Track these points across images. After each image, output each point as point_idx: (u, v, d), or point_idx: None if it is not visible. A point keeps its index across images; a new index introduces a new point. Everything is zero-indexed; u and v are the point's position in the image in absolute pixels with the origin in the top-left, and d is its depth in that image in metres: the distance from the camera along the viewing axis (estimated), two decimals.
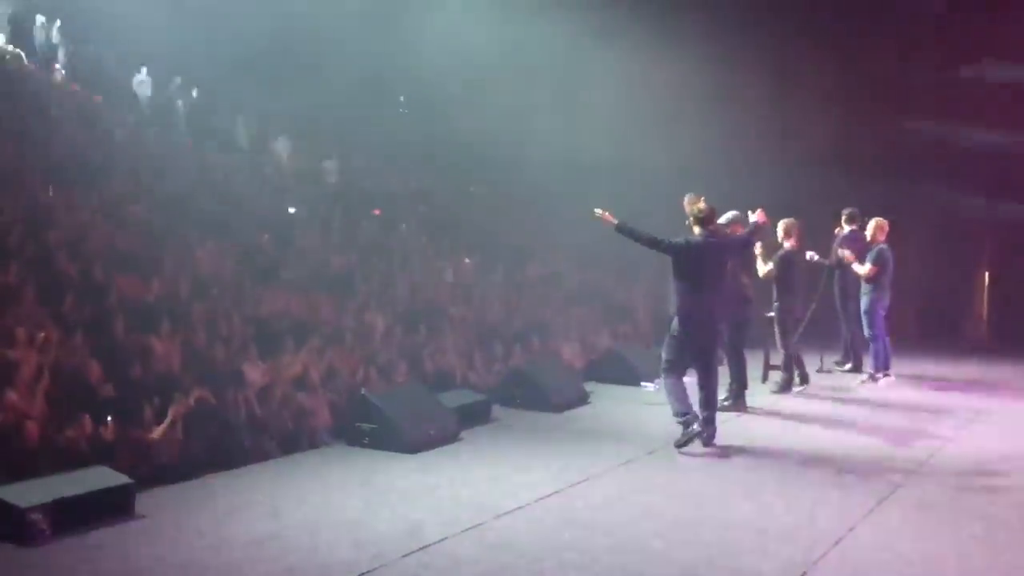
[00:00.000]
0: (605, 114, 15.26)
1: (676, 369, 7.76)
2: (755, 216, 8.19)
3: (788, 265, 9.85)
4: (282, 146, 15.62)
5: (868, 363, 11.00)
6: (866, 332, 10.79)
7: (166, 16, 13.41)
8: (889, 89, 15.52)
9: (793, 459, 7.44)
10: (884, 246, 10.60)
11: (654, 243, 7.62)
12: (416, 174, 16.43)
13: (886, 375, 10.76)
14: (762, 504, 6.23)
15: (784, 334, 9.99)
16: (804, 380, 10.38)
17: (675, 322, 7.67)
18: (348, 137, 15.56)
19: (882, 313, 10.68)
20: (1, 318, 8.69)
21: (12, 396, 7.56)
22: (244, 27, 13.89)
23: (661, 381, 9.65)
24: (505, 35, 13.59)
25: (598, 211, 7.75)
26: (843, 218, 11.37)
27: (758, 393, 9.78)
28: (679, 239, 7.70)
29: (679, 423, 7.60)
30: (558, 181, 15.52)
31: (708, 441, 7.59)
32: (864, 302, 10.68)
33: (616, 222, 7.62)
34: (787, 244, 9.92)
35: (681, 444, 7.50)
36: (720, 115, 14.91)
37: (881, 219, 10.76)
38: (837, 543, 5.51)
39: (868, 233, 10.77)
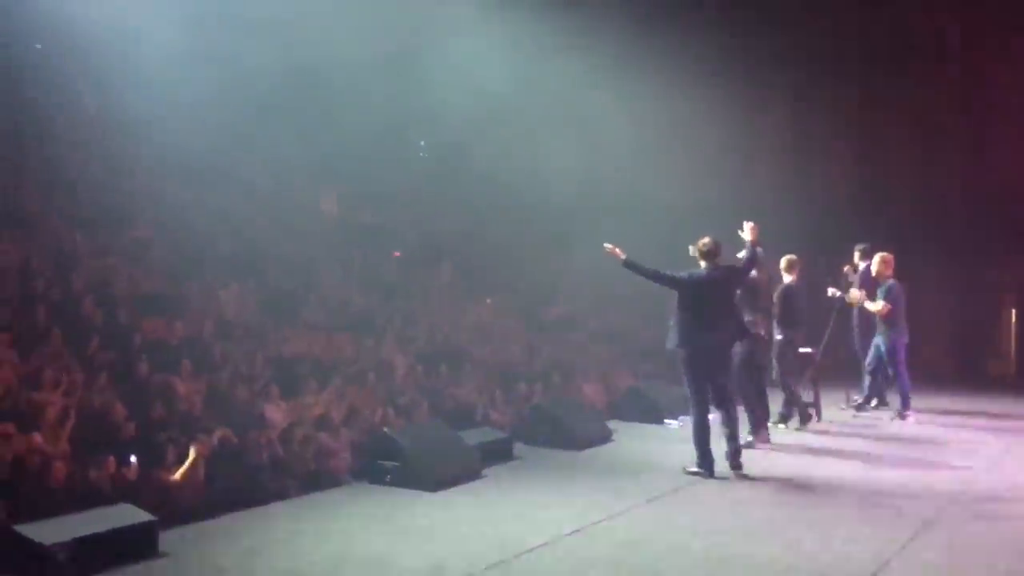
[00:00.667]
0: (624, 153, 15.35)
1: (701, 404, 7.75)
2: (746, 233, 8.27)
3: (789, 299, 9.82)
4: (303, 190, 15.78)
5: (896, 401, 10.85)
6: (890, 371, 10.67)
7: (187, 62, 13.65)
8: (913, 125, 15.52)
9: (821, 494, 7.32)
10: (893, 281, 10.55)
11: (658, 277, 7.75)
12: (436, 215, 16.53)
13: (912, 412, 10.62)
14: (791, 541, 6.11)
15: (784, 368, 9.90)
16: (804, 419, 10.06)
17: (681, 355, 7.75)
18: (368, 180, 15.70)
19: (903, 350, 10.57)
20: (28, 361, 8.79)
21: (38, 438, 7.62)
22: (264, 72, 14.11)
23: (685, 418, 9.70)
24: (522, 76, 13.74)
25: (607, 246, 7.79)
26: (857, 255, 11.29)
27: (783, 431, 9.68)
28: (683, 273, 7.80)
29: (696, 463, 7.78)
30: (578, 220, 15.57)
31: (735, 465, 7.76)
32: (882, 341, 10.56)
33: (623, 257, 7.70)
34: (787, 278, 9.90)
35: (688, 472, 7.72)
36: (741, 151, 14.97)
37: (885, 253, 10.68)
38: None
39: (873, 269, 10.68)
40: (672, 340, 7.80)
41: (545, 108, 14.51)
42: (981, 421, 10.80)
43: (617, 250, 7.75)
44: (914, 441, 9.46)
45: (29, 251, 10.83)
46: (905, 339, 10.60)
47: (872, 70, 15.34)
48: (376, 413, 10.07)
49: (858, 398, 11.26)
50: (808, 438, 9.54)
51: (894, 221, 14.62)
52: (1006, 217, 14.88)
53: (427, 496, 6.87)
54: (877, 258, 10.68)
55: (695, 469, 7.77)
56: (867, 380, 11.00)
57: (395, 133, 15.65)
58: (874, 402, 11.30)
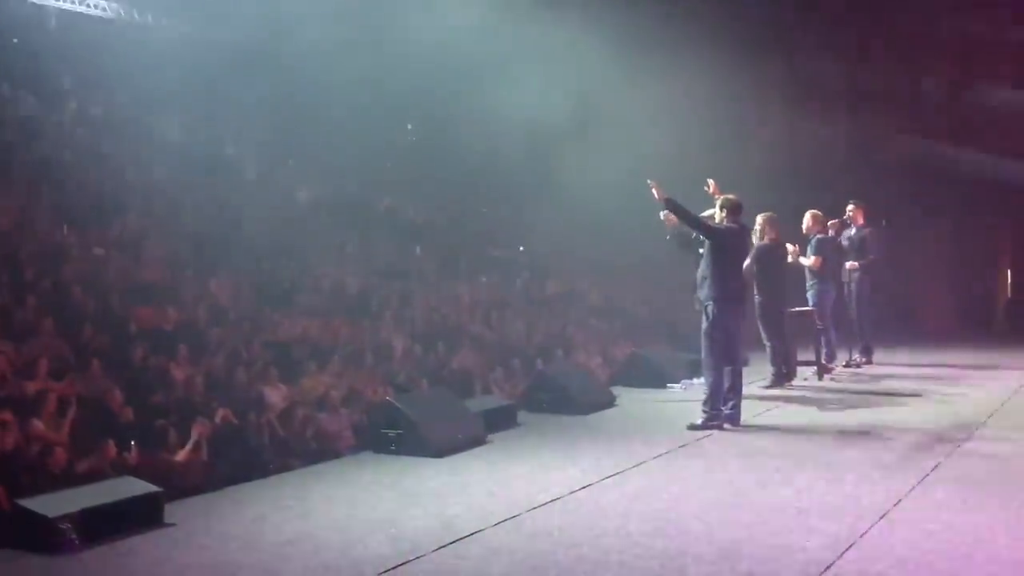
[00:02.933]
0: (623, 131, 15.25)
1: (719, 366, 7.78)
2: (710, 189, 8.33)
3: (768, 259, 9.66)
4: (293, 175, 15.68)
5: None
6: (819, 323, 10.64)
7: (174, 54, 13.53)
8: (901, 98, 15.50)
9: (829, 443, 7.31)
10: (823, 235, 10.57)
11: (697, 223, 7.81)
12: (430, 196, 16.45)
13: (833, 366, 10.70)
14: (802, 487, 6.08)
15: (769, 328, 9.81)
16: (789, 377, 9.96)
17: (711, 307, 7.71)
18: (360, 163, 15.60)
19: (829, 304, 10.60)
20: (21, 350, 8.71)
21: (38, 425, 7.55)
22: (249, 60, 13.99)
23: (692, 381, 9.71)
24: (518, 54, 13.61)
25: (651, 182, 7.82)
26: (849, 211, 11.24)
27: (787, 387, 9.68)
28: (718, 224, 7.84)
29: (704, 414, 7.80)
30: (574, 198, 15.51)
31: (735, 421, 7.81)
32: (811, 295, 10.58)
33: (666, 196, 7.69)
34: (766, 239, 9.74)
35: (694, 427, 7.72)
36: (733, 126, 14.90)
37: (815, 211, 10.70)
38: (883, 517, 5.36)
39: (804, 225, 10.68)
40: (708, 292, 7.73)
41: (543, 86, 14.39)
42: (982, 370, 10.84)
43: (657, 186, 7.76)
44: (917, 392, 9.50)
45: (18, 243, 10.74)
46: (832, 294, 10.60)
47: (861, 31, 15.31)
48: (375, 393, 10.03)
49: (858, 358, 11.24)
50: (813, 393, 9.54)
51: (886, 182, 14.61)
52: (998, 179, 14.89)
53: (433, 462, 6.80)
54: (807, 214, 10.70)
55: (705, 423, 7.76)
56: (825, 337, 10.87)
57: (383, 114, 15.55)
58: (855, 356, 11.23)
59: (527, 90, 14.35)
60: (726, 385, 7.82)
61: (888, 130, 15.46)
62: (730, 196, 7.95)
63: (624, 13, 14.06)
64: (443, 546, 4.95)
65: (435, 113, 15.58)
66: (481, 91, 14.16)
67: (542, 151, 15.13)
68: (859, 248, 11.04)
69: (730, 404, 7.84)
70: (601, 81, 14.89)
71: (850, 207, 11.23)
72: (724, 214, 7.94)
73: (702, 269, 7.83)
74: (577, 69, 14.68)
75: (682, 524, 5.30)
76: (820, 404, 8.98)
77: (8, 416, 7.49)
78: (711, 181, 8.48)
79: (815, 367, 10.38)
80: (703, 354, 7.98)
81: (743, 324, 8.16)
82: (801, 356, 10.47)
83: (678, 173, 14.32)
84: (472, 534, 5.14)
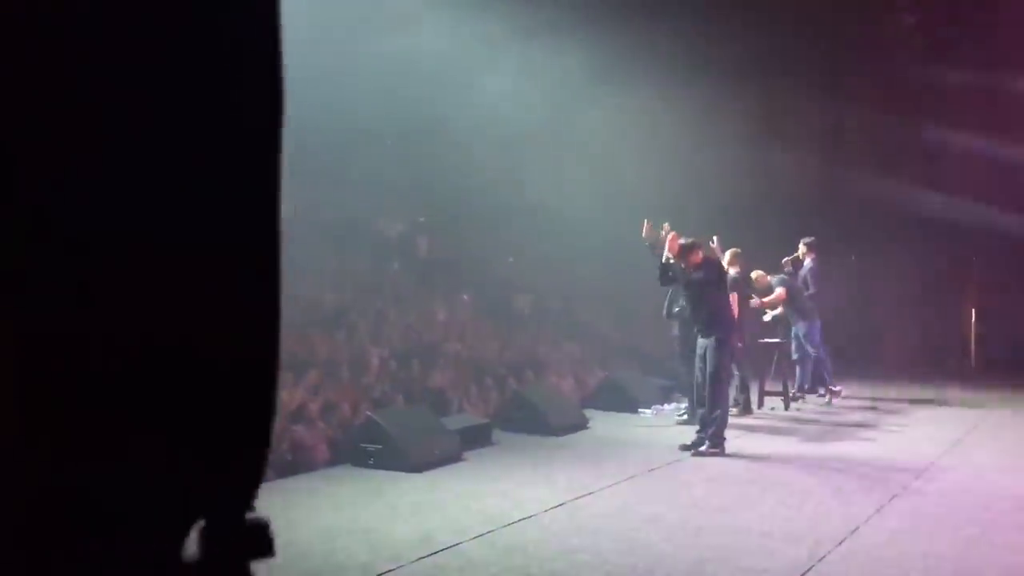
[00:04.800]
0: (599, 155, 15.57)
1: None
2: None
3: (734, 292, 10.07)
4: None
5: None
6: (799, 354, 11.08)
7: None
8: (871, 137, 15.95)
9: (792, 471, 7.61)
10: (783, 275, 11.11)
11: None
12: (407, 212, 16.64)
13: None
14: (765, 512, 6.35)
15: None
16: (745, 408, 10.31)
17: (719, 339, 8.19)
18: (337, 179, 15.78)
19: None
20: None
21: None
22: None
23: (664, 406, 10.05)
24: (496, 71, 13.90)
25: (666, 225, 8.49)
26: (802, 248, 11.68)
27: (752, 417, 9.99)
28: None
29: (707, 435, 8.14)
30: (548, 220, 15.78)
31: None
32: (799, 328, 11.04)
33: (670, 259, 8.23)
34: (732, 272, 10.14)
35: (693, 450, 8.07)
36: (703, 155, 15.25)
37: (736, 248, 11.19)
38: (840, 543, 5.63)
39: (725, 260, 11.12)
40: (712, 329, 8.31)
41: (519, 104, 14.67)
42: (943, 407, 11.20)
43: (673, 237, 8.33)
44: (878, 425, 9.83)
45: None
46: (807, 326, 11.08)
47: (835, 70, 15.75)
48: (352, 407, 10.19)
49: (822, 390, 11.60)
50: (779, 423, 9.87)
51: (850, 220, 15.05)
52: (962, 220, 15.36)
53: (411, 477, 7.01)
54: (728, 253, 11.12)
55: (711, 446, 8.11)
56: (798, 370, 11.32)
57: (360, 130, 15.73)
58: (820, 390, 11.60)
59: (504, 111, 14.65)
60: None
61: (854, 165, 15.89)
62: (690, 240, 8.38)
63: (599, 35, 14.38)
64: (422, 557, 5.15)
65: (412, 129, 15.77)
66: (458, 110, 14.41)
67: (518, 171, 15.40)
68: (814, 283, 11.49)
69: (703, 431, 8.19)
70: (577, 106, 15.23)
71: (801, 246, 11.68)
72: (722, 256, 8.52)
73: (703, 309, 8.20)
74: (552, 93, 15.02)
75: (651, 544, 5.55)
76: (785, 433, 9.30)
77: None
78: (667, 230, 8.66)
79: (782, 397, 10.71)
80: (710, 390, 8.23)
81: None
82: (770, 387, 10.83)
83: (650, 199, 14.75)
84: (450, 547, 5.35)
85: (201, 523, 1.08)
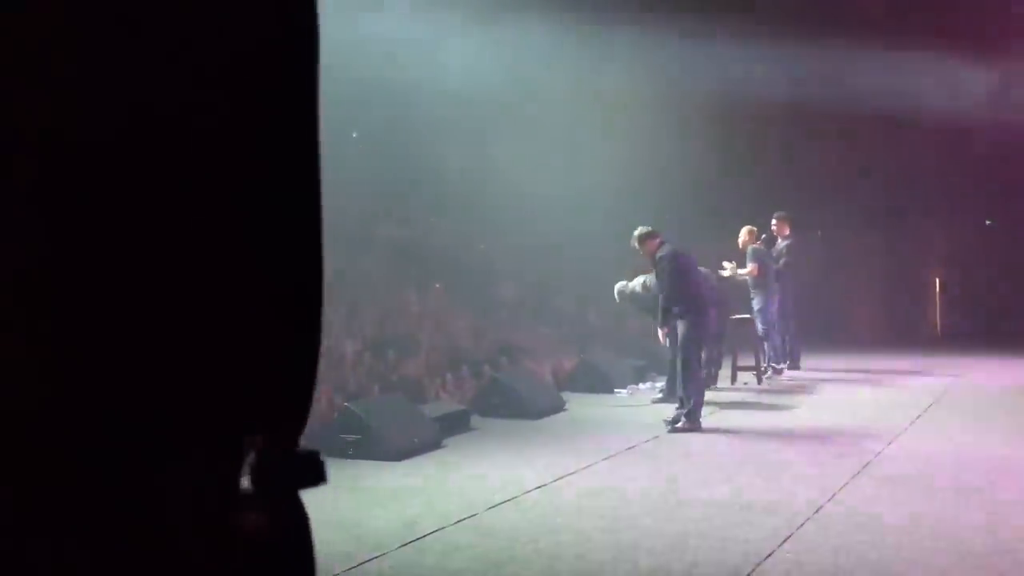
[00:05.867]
0: (571, 139, 15.59)
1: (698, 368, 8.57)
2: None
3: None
4: None
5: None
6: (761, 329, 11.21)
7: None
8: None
9: (767, 444, 7.72)
10: (756, 246, 11.19)
11: (662, 291, 8.58)
12: (377, 203, 16.58)
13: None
14: (742, 484, 6.44)
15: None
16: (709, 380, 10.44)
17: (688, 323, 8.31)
18: None
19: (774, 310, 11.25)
20: None
21: None
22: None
23: (639, 386, 10.16)
24: (459, 53, 13.84)
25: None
26: (774, 223, 11.80)
27: (726, 391, 10.12)
28: (668, 256, 8.43)
29: (684, 412, 8.26)
30: (520, 205, 15.80)
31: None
32: (757, 302, 11.17)
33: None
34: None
35: (673, 427, 8.17)
36: (671, 133, 15.32)
37: (750, 226, 11.31)
38: (818, 511, 5.73)
39: (740, 240, 11.27)
40: (680, 309, 8.49)
41: (490, 91, 14.63)
42: (911, 376, 11.39)
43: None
44: (851, 396, 10.00)
45: None
46: (773, 301, 11.22)
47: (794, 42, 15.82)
48: (327, 399, 10.16)
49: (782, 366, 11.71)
50: (752, 396, 10.02)
51: (818, 192, 15.19)
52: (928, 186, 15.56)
53: (391, 465, 7.01)
54: (744, 230, 11.27)
55: (687, 421, 8.23)
56: (766, 345, 11.43)
57: (327, 121, 15.59)
58: (784, 364, 11.74)
59: (474, 94, 14.62)
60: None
61: (819, 138, 16.01)
62: (646, 229, 8.61)
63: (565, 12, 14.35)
64: (405, 544, 5.17)
65: (380, 119, 15.68)
66: (427, 96, 14.36)
67: (488, 159, 15.39)
68: (783, 258, 11.63)
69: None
70: (552, 87, 15.22)
71: (774, 220, 11.80)
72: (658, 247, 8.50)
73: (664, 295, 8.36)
74: (527, 71, 14.99)
75: (633, 519, 5.61)
76: (758, 408, 9.43)
77: None
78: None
79: (755, 372, 10.84)
80: (681, 367, 8.39)
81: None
82: (742, 362, 10.95)
83: (618, 180, 14.81)
84: (432, 532, 5.37)
85: (252, 456, 1.14)
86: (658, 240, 8.48)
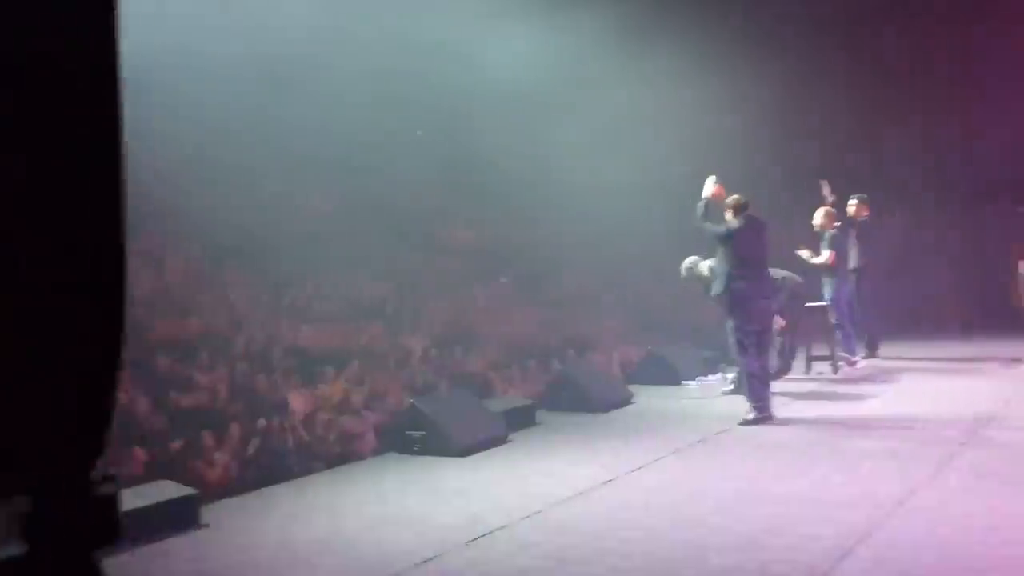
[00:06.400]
0: (635, 128, 15.36)
1: (740, 359, 8.11)
2: (708, 188, 8.47)
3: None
4: (311, 185, 15.85)
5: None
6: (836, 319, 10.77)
7: (196, 68, 13.71)
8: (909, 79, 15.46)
9: (845, 435, 7.44)
10: (834, 231, 10.72)
11: (705, 230, 8.24)
12: (444, 200, 16.60)
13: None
14: (818, 478, 6.21)
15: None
16: (783, 371, 10.13)
17: (725, 300, 8.04)
18: (375, 171, 15.78)
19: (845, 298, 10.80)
20: None
21: None
22: (269, 74, 14.16)
23: (708, 377, 9.93)
24: (533, 56, 13.72)
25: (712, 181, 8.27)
26: (853, 205, 11.32)
27: (800, 382, 9.83)
28: (728, 224, 8.13)
29: (753, 408, 8.00)
30: (588, 195, 15.65)
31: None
32: (828, 291, 10.72)
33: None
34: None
35: (745, 424, 7.89)
36: (736, 121, 14.97)
37: (828, 208, 10.82)
38: (899, 505, 5.48)
39: (816, 222, 10.80)
40: (716, 287, 8.13)
41: (554, 83, 14.50)
42: (993, 363, 10.91)
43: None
44: (932, 384, 9.59)
45: None
46: (847, 289, 10.77)
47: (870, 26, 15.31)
48: (396, 395, 10.20)
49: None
50: (828, 387, 9.70)
51: (897, 173, 14.68)
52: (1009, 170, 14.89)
53: (457, 461, 6.97)
54: (820, 210, 10.82)
55: (756, 416, 7.98)
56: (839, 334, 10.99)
57: (396, 121, 15.69)
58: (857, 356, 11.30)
59: (539, 92, 14.49)
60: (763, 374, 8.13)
61: (898, 120, 15.44)
62: (735, 196, 8.16)
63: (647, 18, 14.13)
64: (471, 540, 5.10)
65: (446, 118, 15.69)
66: (493, 95, 14.30)
67: (555, 151, 15.25)
68: (862, 242, 11.18)
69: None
70: (613, 79, 15.01)
71: (853, 201, 11.35)
72: (731, 214, 8.13)
73: (713, 265, 8.05)
74: (592, 72, 14.81)
75: (702, 517, 5.44)
76: (834, 397, 9.13)
77: None
78: (712, 180, 8.52)
79: (830, 361, 10.51)
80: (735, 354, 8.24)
81: (760, 317, 8.25)
82: (816, 351, 10.64)
83: (690, 172, 14.52)
84: (498, 529, 5.29)
85: (28, 505, 0.89)
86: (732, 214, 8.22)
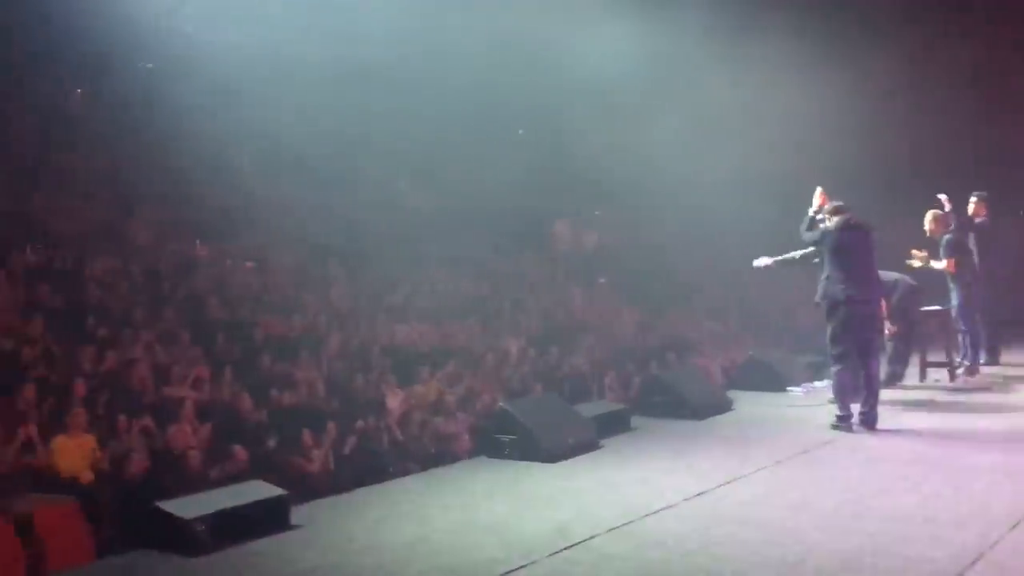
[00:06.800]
0: (741, 128, 14.96)
1: (837, 365, 7.75)
2: (816, 198, 8.22)
3: None
4: (411, 183, 16.05)
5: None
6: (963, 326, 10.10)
7: (300, 72, 14.03)
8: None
9: (959, 449, 7.00)
10: (951, 236, 10.00)
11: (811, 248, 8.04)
12: (544, 200, 16.55)
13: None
14: (928, 494, 5.85)
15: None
16: (897, 377, 9.72)
17: (823, 308, 7.75)
18: (475, 170, 15.84)
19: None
20: (161, 359, 9.24)
21: (175, 429, 8.02)
22: (370, 74, 14.38)
23: (814, 384, 9.54)
24: (630, 52, 13.51)
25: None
26: (973, 204, 10.60)
27: (913, 390, 9.34)
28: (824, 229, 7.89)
29: (836, 416, 7.74)
30: (690, 195, 15.34)
31: (871, 425, 7.65)
32: (954, 296, 10.04)
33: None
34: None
35: (834, 427, 7.72)
36: (850, 120, 14.38)
37: (937, 211, 10.11)
38: (1014, 527, 5.11)
39: (927, 227, 10.09)
40: (820, 292, 7.85)
41: (654, 83, 14.25)
42: None
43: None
44: None
45: (157, 256, 11.41)
46: (971, 294, 10.11)
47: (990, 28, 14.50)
48: (491, 396, 10.18)
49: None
50: (943, 395, 9.21)
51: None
52: None
53: (546, 467, 6.87)
54: (929, 215, 10.12)
55: (836, 423, 7.75)
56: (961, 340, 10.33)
57: (496, 121, 15.71)
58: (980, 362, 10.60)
59: (640, 91, 14.26)
60: (854, 384, 7.75)
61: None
62: (833, 203, 7.95)
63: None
64: (555, 552, 4.99)
65: (546, 117, 15.63)
66: (592, 94, 14.15)
67: (657, 150, 14.97)
68: (983, 244, 10.45)
69: (864, 406, 7.70)
70: (717, 79, 14.63)
71: (973, 199, 10.65)
72: (828, 220, 7.92)
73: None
74: (691, 66, 14.47)
75: (801, 532, 5.19)
76: (950, 407, 8.63)
77: (149, 422, 7.99)
78: (819, 192, 8.26)
79: (947, 368, 9.95)
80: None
81: (869, 323, 7.88)
82: (932, 357, 10.09)
83: (794, 168, 14.02)
84: (584, 540, 5.17)
85: None
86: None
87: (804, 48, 13.62)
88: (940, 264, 9.97)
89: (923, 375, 10.03)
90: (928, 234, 10.16)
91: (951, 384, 9.78)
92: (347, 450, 8.65)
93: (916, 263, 9.79)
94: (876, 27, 14.39)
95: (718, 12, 13.51)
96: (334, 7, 13.07)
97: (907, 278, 9.55)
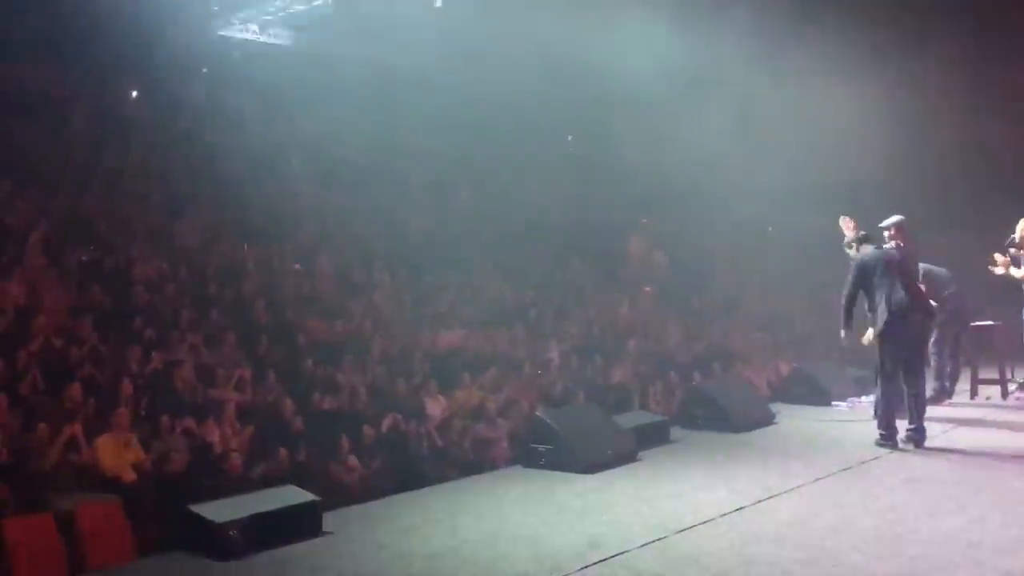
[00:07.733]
0: (782, 137, 14.72)
1: (883, 383, 7.61)
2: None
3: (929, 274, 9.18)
4: (456, 191, 16.07)
5: None
6: None
7: (347, 78, 14.15)
8: None
9: (1008, 470, 6.78)
10: None
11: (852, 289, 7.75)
12: (590, 208, 16.47)
13: None
14: (974, 517, 5.66)
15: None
16: (945, 395, 9.48)
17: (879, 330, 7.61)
18: (522, 177, 15.84)
19: None
20: (205, 361, 9.37)
21: (218, 430, 8.12)
22: (417, 81, 14.45)
23: (860, 399, 9.32)
24: (677, 61, 13.37)
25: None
26: None
27: (963, 407, 9.07)
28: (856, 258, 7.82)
29: (880, 434, 7.63)
30: (735, 207, 15.13)
31: (918, 443, 7.51)
32: None
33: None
34: None
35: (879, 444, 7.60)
36: (900, 132, 14.05)
37: None
38: None
39: (1017, 235, 9.69)
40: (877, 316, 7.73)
41: (702, 94, 14.09)
42: None
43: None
44: None
45: (204, 259, 11.57)
46: None
47: None
48: (531, 404, 10.14)
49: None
50: (991, 414, 8.92)
51: None
52: None
53: (582, 478, 6.80)
54: (1021, 224, 9.72)
55: (880, 440, 7.63)
56: None
57: (545, 127, 15.68)
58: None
59: (688, 99, 14.09)
60: (899, 403, 7.57)
61: None
62: (860, 232, 7.98)
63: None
64: (586, 566, 4.94)
65: (594, 126, 15.57)
66: (642, 103, 14.01)
67: (705, 159, 14.79)
68: None
69: (911, 423, 7.54)
70: (766, 87, 14.41)
71: None
72: (854, 250, 7.92)
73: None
74: (739, 74, 14.27)
75: (839, 554, 5.05)
76: (1000, 426, 8.37)
77: (191, 423, 8.10)
78: (844, 220, 8.18)
79: (999, 385, 9.66)
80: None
81: (914, 339, 7.68)
82: (984, 374, 9.81)
83: (846, 181, 13.76)
84: (616, 555, 5.10)
85: None
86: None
87: (857, 54, 13.34)
88: (1020, 272, 9.63)
89: (974, 392, 9.75)
90: (1019, 241, 9.77)
91: (1003, 402, 9.50)
92: (384, 455, 8.67)
93: (999, 269, 9.48)
94: (930, 29, 14.04)
95: (767, 19, 13.30)
96: (385, 15, 13.17)
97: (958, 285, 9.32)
